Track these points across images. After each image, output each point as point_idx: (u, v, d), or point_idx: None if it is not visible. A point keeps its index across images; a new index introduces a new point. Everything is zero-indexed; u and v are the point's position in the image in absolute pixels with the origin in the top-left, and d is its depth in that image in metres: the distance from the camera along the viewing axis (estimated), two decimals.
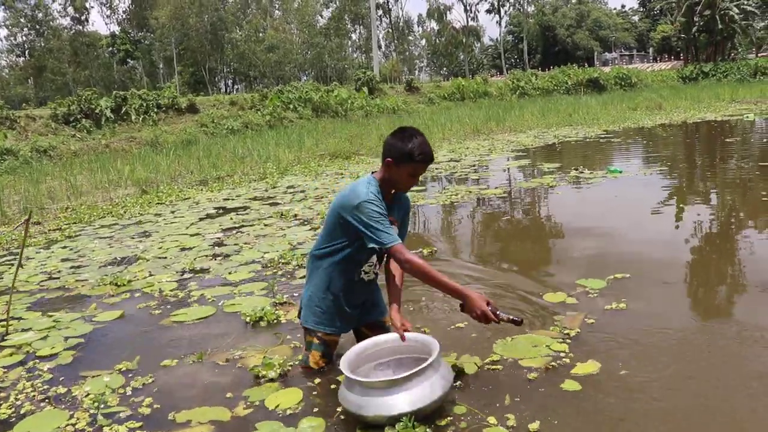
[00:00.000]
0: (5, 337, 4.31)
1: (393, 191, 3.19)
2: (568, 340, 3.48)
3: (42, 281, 5.73)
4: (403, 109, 29.37)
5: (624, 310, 3.90)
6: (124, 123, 23.48)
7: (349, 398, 2.74)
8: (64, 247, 7.21)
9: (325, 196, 9.21)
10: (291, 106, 27.73)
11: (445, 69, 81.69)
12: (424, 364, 2.69)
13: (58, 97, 28.85)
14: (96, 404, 3.02)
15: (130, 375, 3.49)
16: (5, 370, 3.76)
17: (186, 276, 5.46)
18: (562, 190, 8.36)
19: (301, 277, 5.05)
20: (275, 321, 4.15)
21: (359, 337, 3.42)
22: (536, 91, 34.89)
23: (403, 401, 2.62)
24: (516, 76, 37.14)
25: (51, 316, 4.71)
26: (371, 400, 2.65)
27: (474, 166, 11.48)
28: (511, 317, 2.91)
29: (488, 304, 2.90)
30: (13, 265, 6.53)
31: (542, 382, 3.05)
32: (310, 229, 6.94)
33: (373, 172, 3.18)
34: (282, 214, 7.98)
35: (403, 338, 3.11)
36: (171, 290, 5.04)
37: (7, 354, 4.00)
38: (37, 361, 3.87)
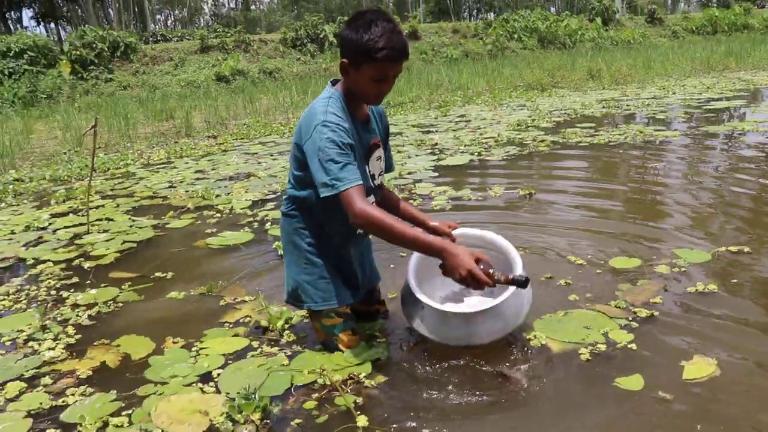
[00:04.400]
0: (83, 236, 4.56)
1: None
2: (634, 324, 2.58)
3: (159, 189, 6.00)
4: (639, 42, 26.63)
5: (711, 294, 2.85)
6: None
7: (407, 305, 2.45)
8: (210, 160, 7.54)
9: (483, 127, 8.54)
10: (515, 36, 26.55)
11: (716, 0, 72.47)
12: (500, 299, 2.28)
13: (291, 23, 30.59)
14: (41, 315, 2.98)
15: (122, 291, 3.40)
16: (53, 264, 3.94)
17: (272, 196, 5.34)
18: (756, 137, 6.80)
19: None
20: None
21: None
22: None
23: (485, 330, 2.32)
24: None
25: (134, 220, 4.90)
26: (425, 319, 2.36)
27: (674, 104, 9.91)
28: (513, 276, 2.11)
29: (478, 261, 2.09)
30: (125, 181, 6.98)
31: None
32: (433, 159, 6.44)
33: (333, 82, 2.32)
34: (421, 142, 7.55)
35: (453, 238, 2.50)
36: (240, 209, 4.94)
37: (68, 251, 4.21)
38: (83, 259, 4.01)
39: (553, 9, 60.73)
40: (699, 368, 2.21)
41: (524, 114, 9.68)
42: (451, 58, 24.53)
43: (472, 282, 2.07)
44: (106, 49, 21.01)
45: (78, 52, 20.30)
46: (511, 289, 2.24)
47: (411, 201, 4.87)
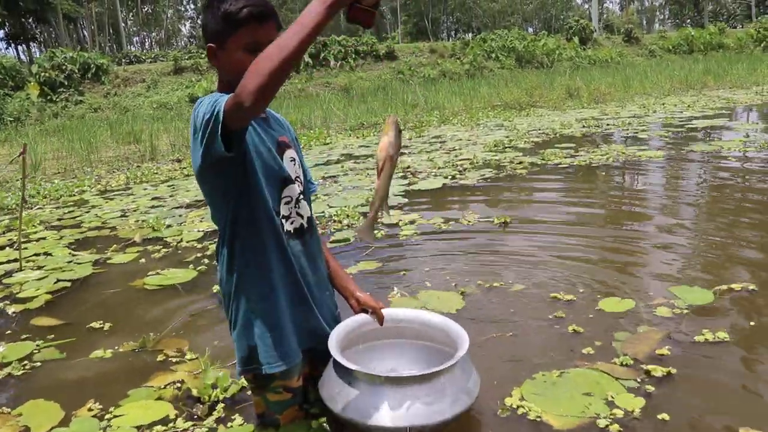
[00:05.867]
0: (14, 274, 4.12)
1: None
2: (649, 387, 2.16)
3: (110, 218, 5.56)
4: (617, 62, 26.64)
5: (722, 343, 2.47)
6: (322, 68, 23.97)
7: (328, 386, 1.90)
8: (170, 186, 7.12)
9: (458, 149, 8.21)
10: (493, 56, 26.45)
11: (689, 21, 73.39)
12: (449, 363, 1.80)
13: None
14: None
15: (38, 349, 2.96)
16: None
17: None
18: (738, 158, 6.51)
19: (333, 241, 4.30)
20: None
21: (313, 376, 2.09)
22: None
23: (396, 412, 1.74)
24: (763, 24, 31.73)
25: (75, 254, 4.46)
26: (354, 397, 1.80)
27: (655, 123, 9.66)
28: None
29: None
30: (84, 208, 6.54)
31: None
32: (404, 184, 6.08)
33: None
34: None
35: (381, 320, 2.11)
36: (189, 241, 4.53)
37: None
38: (8, 303, 3.57)
39: (530, 29, 61.31)
40: None
41: (501, 134, 9.36)
42: (429, 78, 24.33)
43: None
44: (76, 70, 20.53)
45: (47, 74, 19.80)
46: (461, 352, 1.84)
47: (374, 232, 4.49)
